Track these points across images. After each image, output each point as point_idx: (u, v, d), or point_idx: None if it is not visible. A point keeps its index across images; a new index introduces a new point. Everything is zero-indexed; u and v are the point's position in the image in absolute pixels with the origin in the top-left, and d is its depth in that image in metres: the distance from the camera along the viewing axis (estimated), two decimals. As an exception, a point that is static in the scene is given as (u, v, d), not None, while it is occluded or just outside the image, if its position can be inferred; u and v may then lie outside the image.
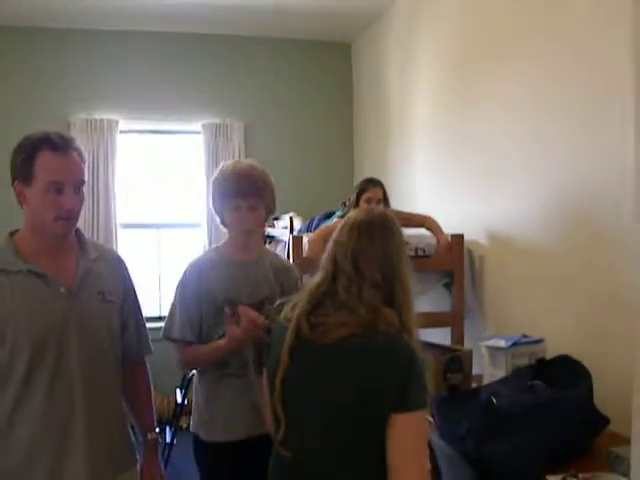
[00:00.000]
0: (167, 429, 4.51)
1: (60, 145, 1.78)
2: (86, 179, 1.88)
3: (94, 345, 1.86)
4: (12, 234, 1.87)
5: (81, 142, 5.17)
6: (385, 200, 3.76)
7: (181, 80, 5.74)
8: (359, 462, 1.61)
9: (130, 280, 2.06)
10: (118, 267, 2.02)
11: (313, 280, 1.72)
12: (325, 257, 1.72)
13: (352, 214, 1.76)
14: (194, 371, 4.46)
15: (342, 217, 3.80)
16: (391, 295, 1.64)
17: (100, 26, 5.50)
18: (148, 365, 2.20)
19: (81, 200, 1.84)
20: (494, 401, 2.35)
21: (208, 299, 2.33)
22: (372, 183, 3.77)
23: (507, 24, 3.47)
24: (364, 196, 3.69)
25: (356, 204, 3.70)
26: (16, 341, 1.73)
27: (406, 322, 1.63)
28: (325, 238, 3.39)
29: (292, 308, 1.73)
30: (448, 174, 4.24)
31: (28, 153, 1.76)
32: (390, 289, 1.64)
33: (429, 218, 3.86)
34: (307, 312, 1.66)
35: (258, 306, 2.30)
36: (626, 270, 2.57)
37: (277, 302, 1.91)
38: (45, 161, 1.75)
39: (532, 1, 3.24)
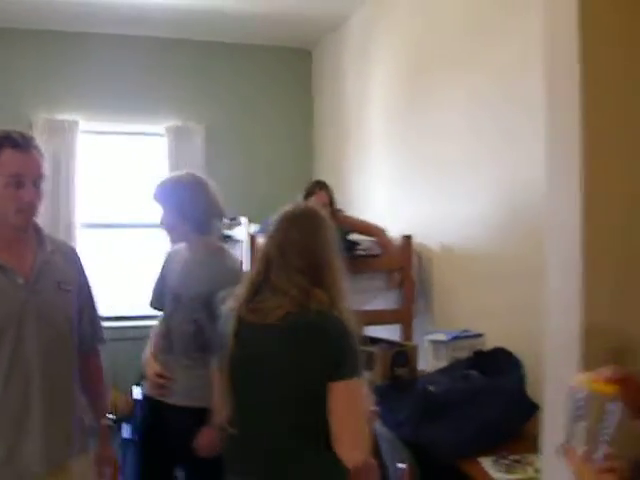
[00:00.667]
0: (124, 425, 4.58)
1: (21, 143, 1.88)
2: (45, 175, 1.98)
3: (52, 333, 1.95)
4: None
5: (42, 142, 5.20)
6: (331, 203, 3.90)
7: (143, 83, 5.79)
8: (305, 434, 1.77)
9: (84, 271, 2.16)
10: (73, 259, 2.12)
11: (250, 272, 1.93)
12: (260, 250, 1.92)
13: (282, 209, 1.94)
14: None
15: None
16: (319, 278, 1.82)
17: (63, 27, 5.54)
18: (102, 355, 2.29)
19: (40, 194, 1.94)
20: (431, 389, 2.51)
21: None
22: (318, 186, 3.93)
23: (457, 36, 3.65)
24: (310, 200, 3.83)
25: None
26: None
27: (335, 300, 1.80)
28: None
29: (235, 299, 1.91)
30: (400, 178, 4.41)
31: None
32: (317, 273, 1.82)
33: (380, 231, 3.98)
34: (247, 300, 1.84)
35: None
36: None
37: (221, 294, 2.05)
38: (7, 158, 1.85)
39: (478, 16, 3.43)
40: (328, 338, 1.75)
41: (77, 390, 2.09)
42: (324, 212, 1.96)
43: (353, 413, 1.74)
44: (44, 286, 1.95)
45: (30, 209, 1.92)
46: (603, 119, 1.60)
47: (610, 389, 1.20)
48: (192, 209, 2.58)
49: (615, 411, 1.18)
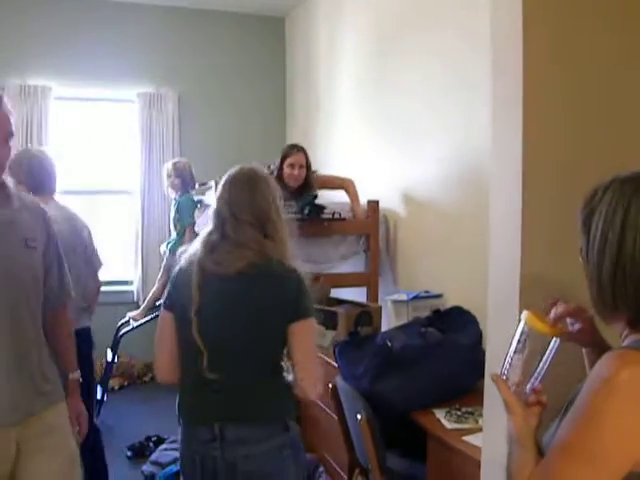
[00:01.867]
0: (98, 387, 4.66)
1: None
2: (14, 131, 1.98)
3: (18, 288, 1.98)
4: None
5: (15, 108, 5.20)
6: (308, 165, 3.97)
7: (117, 49, 5.78)
8: (272, 371, 1.97)
9: (52, 229, 2.18)
10: (40, 217, 2.14)
11: (203, 231, 2.07)
12: (211, 211, 2.07)
13: (241, 173, 2.07)
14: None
15: None
16: (267, 230, 1.99)
17: (34, -8, 5.52)
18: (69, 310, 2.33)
19: (9, 150, 1.95)
20: (389, 344, 2.61)
21: None
22: (295, 149, 4.01)
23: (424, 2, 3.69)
24: (287, 161, 3.94)
25: (280, 168, 3.93)
26: None
27: (283, 251, 1.99)
28: None
29: (191, 255, 2.03)
30: (367, 143, 4.49)
31: None
32: (265, 226, 1.99)
33: (349, 181, 4.12)
34: (206, 254, 1.98)
35: None
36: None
37: (179, 252, 2.14)
38: None
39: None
40: (287, 284, 1.94)
41: (44, 344, 2.11)
42: (264, 172, 2.11)
43: (311, 344, 1.99)
44: (10, 242, 1.97)
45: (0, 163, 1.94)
46: (542, 91, 1.68)
47: (549, 329, 1.28)
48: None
49: (552, 350, 1.27)
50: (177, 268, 2.08)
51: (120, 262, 5.74)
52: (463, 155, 3.28)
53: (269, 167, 4.08)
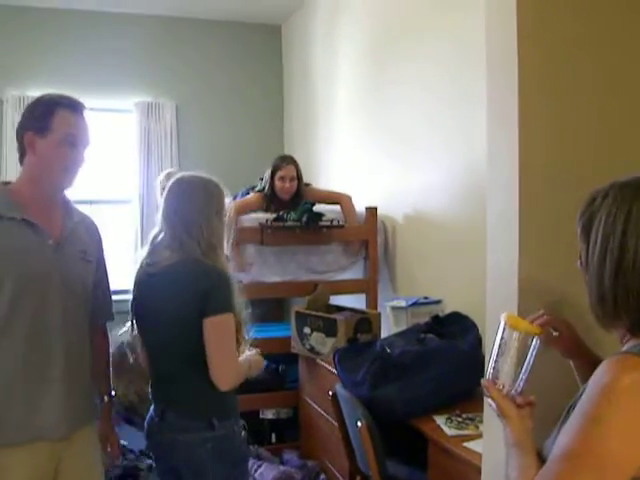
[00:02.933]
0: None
1: (77, 105, 1.93)
2: (90, 142, 2.01)
3: (73, 298, 1.97)
4: (5, 184, 1.97)
5: (15, 119, 5.21)
6: (299, 177, 3.99)
7: (114, 59, 5.77)
8: (197, 367, 2.03)
9: (102, 247, 2.19)
10: (96, 233, 2.15)
11: (151, 233, 2.21)
12: (161, 214, 2.18)
13: (181, 179, 2.20)
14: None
15: (260, 192, 4.02)
16: (194, 233, 2.09)
17: (33, 3, 5.52)
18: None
19: (84, 160, 1.98)
20: (388, 350, 2.61)
21: None
22: (285, 161, 4.00)
23: (422, 7, 3.70)
24: (278, 174, 3.95)
25: (271, 181, 3.95)
26: (2, 282, 1.82)
27: (214, 256, 2.09)
28: (238, 210, 3.70)
29: (140, 256, 2.22)
30: (366, 151, 4.49)
31: (48, 107, 1.88)
32: (191, 229, 2.09)
33: (346, 198, 4.10)
34: (146, 256, 2.16)
35: None
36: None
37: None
38: (64, 116, 1.88)
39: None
40: (201, 279, 2.03)
41: (90, 360, 2.09)
42: (203, 180, 2.19)
43: (224, 340, 2.03)
44: (70, 252, 1.97)
45: (76, 171, 1.95)
46: (538, 103, 1.70)
47: (532, 329, 1.29)
48: None
49: (532, 350, 1.27)
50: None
51: (119, 271, 5.72)
52: (461, 163, 3.29)
53: (262, 179, 4.08)
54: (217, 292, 2.02)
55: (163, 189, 4.73)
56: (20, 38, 5.57)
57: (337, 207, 4.05)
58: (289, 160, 4.03)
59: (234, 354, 2.07)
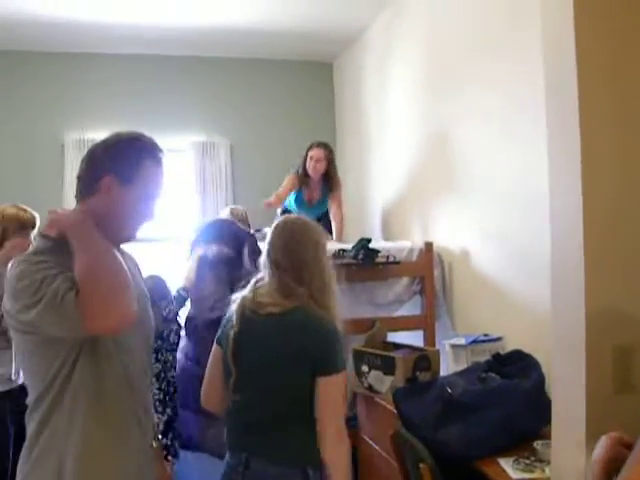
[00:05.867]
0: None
1: (161, 158, 1.81)
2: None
3: (146, 339, 1.89)
4: None
5: (74, 161, 5.38)
6: (329, 160, 4.51)
7: (169, 100, 5.95)
8: (298, 417, 2.03)
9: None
10: (137, 268, 2.05)
11: (255, 277, 2.19)
12: (266, 259, 2.16)
13: (275, 222, 2.21)
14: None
15: (295, 173, 4.63)
16: (304, 278, 2.08)
17: (90, 50, 5.74)
18: None
19: (153, 215, 1.85)
20: (449, 390, 2.55)
21: None
22: (317, 144, 4.56)
23: (475, 42, 3.68)
24: (309, 154, 4.52)
25: (304, 162, 4.50)
26: None
27: (321, 299, 2.07)
28: (280, 197, 4.61)
29: (240, 297, 2.17)
30: (422, 186, 4.46)
31: (137, 158, 1.75)
32: (302, 274, 2.08)
33: (342, 220, 4.76)
34: (249, 298, 2.12)
35: None
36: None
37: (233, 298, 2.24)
38: (149, 170, 1.76)
39: (497, 23, 3.47)
40: (314, 334, 2.01)
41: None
42: (310, 222, 2.20)
43: (335, 402, 2.01)
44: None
45: (143, 224, 1.83)
46: (600, 126, 1.65)
47: None
48: None
49: None
50: (229, 311, 2.19)
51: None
52: (523, 194, 3.20)
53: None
54: (331, 349, 2.01)
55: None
56: (78, 83, 5.81)
57: (393, 243, 4.05)
58: (322, 144, 4.57)
59: (344, 411, 2.07)
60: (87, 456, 1.64)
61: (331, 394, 2.00)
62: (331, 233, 4.71)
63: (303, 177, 4.63)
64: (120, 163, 1.73)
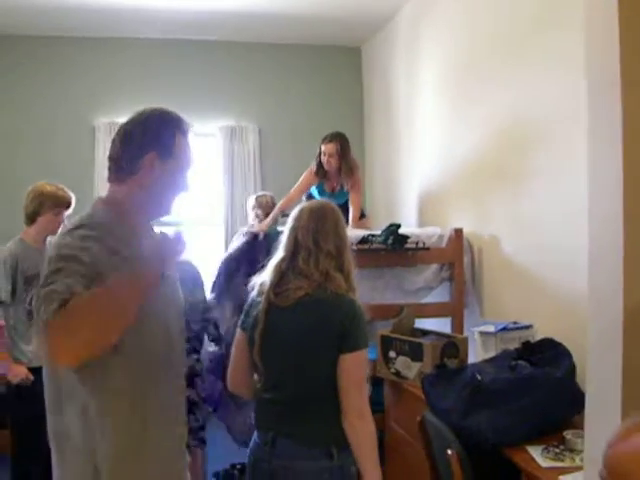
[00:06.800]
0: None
1: (189, 130, 1.84)
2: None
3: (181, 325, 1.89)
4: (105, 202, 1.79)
5: (106, 145, 5.43)
6: (341, 154, 4.44)
7: (197, 84, 5.96)
8: (323, 398, 2.06)
9: None
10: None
11: (275, 259, 2.18)
12: (286, 240, 2.18)
13: (305, 204, 2.24)
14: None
15: (310, 171, 4.60)
16: (342, 263, 2.13)
17: (122, 34, 5.76)
18: None
19: (188, 187, 1.88)
20: (478, 377, 2.54)
21: None
22: (327, 139, 4.49)
23: (510, 23, 3.62)
24: (322, 149, 4.48)
25: (319, 155, 4.51)
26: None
27: (352, 284, 2.13)
28: (298, 193, 4.51)
29: (262, 284, 2.19)
30: (451, 171, 4.42)
31: (172, 132, 1.79)
32: (341, 259, 2.13)
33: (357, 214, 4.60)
34: (274, 285, 2.14)
35: None
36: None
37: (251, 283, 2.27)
38: (184, 143, 1.81)
39: (530, 4, 3.42)
40: (340, 315, 2.03)
41: None
42: (330, 208, 2.22)
43: (358, 375, 2.04)
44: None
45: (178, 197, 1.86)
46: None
47: None
48: None
49: None
50: (250, 297, 2.24)
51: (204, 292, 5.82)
52: (558, 181, 3.15)
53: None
54: (355, 328, 2.04)
55: (254, 209, 4.88)
56: (108, 67, 5.85)
57: (422, 229, 4.03)
58: (332, 137, 4.48)
59: (366, 389, 2.10)
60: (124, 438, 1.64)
61: (353, 371, 2.02)
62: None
63: (320, 171, 4.59)
64: (159, 139, 1.77)
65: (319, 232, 2.13)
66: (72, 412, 1.62)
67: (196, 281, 3.73)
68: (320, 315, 2.05)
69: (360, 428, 2.04)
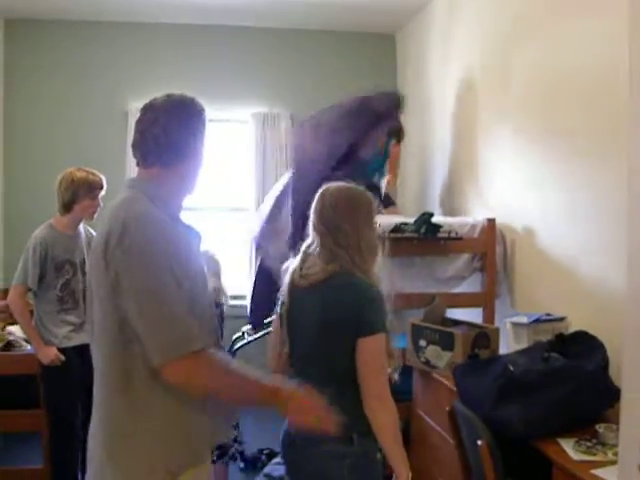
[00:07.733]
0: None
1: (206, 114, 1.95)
2: None
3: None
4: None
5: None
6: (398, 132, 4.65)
7: (230, 70, 6.00)
8: (342, 382, 2.07)
9: None
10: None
11: (305, 243, 2.24)
12: (310, 223, 2.22)
13: (330, 187, 2.22)
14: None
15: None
16: (347, 245, 2.12)
17: (154, 19, 5.80)
18: None
19: None
20: (511, 368, 2.53)
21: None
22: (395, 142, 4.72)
23: (544, 9, 3.56)
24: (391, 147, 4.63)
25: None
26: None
27: (367, 267, 2.13)
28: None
29: (291, 267, 2.25)
30: (485, 160, 4.38)
31: (201, 114, 1.91)
32: (345, 240, 2.12)
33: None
34: (299, 267, 2.20)
35: None
36: None
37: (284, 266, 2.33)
38: (206, 127, 1.93)
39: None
40: (355, 297, 2.05)
41: None
42: (359, 189, 2.22)
43: (377, 361, 2.05)
44: None
45: None
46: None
47: None
48: None
49: None
50: (284, 280, 2.27)
51: (235, 277, 5.87)
52: (596, 173, 3.09)
53: None
54: (371, 312, 2.04)
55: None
56: (141, 52, 5.91)
57: (454, 218, 4.01)
58: (398, 138, 4.65)
59: (386, 374, 2.09)
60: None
61: (371, 355, 2.03)
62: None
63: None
64: (197, 125, 1.88)
65: (316, 218, 2.16)
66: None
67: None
68: (335, 298, 2.08)
69: (380, 412, 2.05)
